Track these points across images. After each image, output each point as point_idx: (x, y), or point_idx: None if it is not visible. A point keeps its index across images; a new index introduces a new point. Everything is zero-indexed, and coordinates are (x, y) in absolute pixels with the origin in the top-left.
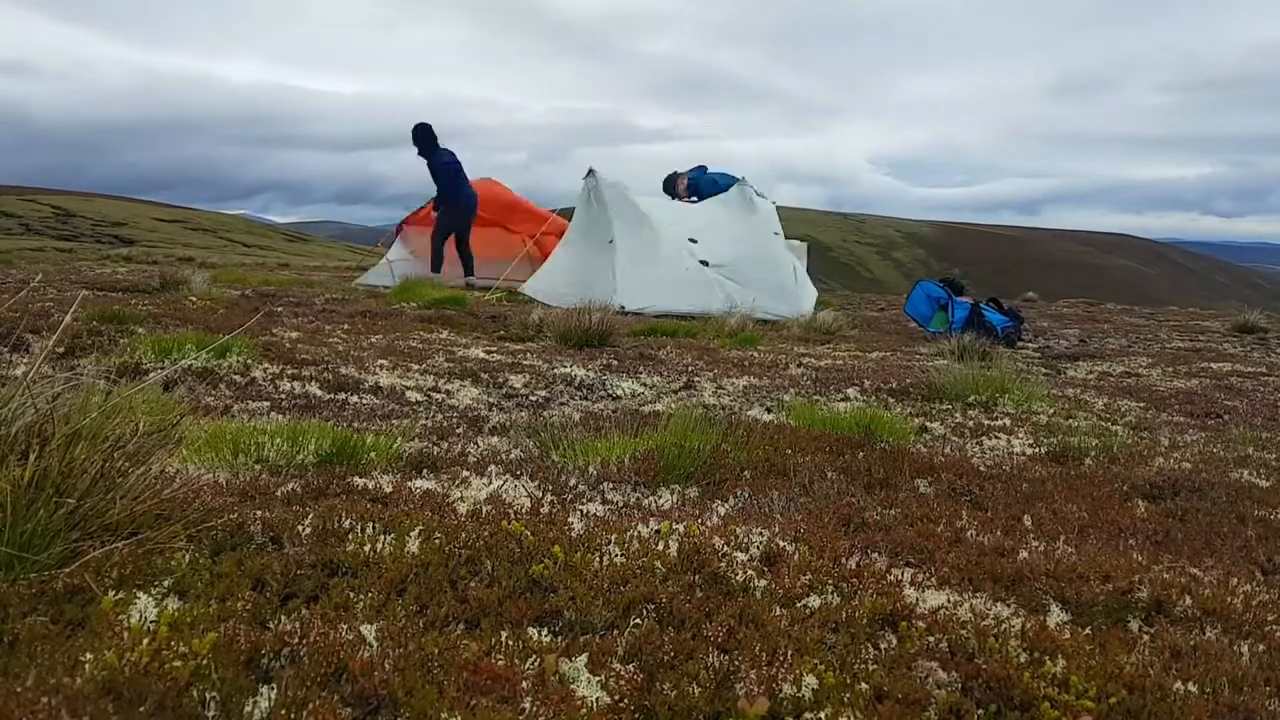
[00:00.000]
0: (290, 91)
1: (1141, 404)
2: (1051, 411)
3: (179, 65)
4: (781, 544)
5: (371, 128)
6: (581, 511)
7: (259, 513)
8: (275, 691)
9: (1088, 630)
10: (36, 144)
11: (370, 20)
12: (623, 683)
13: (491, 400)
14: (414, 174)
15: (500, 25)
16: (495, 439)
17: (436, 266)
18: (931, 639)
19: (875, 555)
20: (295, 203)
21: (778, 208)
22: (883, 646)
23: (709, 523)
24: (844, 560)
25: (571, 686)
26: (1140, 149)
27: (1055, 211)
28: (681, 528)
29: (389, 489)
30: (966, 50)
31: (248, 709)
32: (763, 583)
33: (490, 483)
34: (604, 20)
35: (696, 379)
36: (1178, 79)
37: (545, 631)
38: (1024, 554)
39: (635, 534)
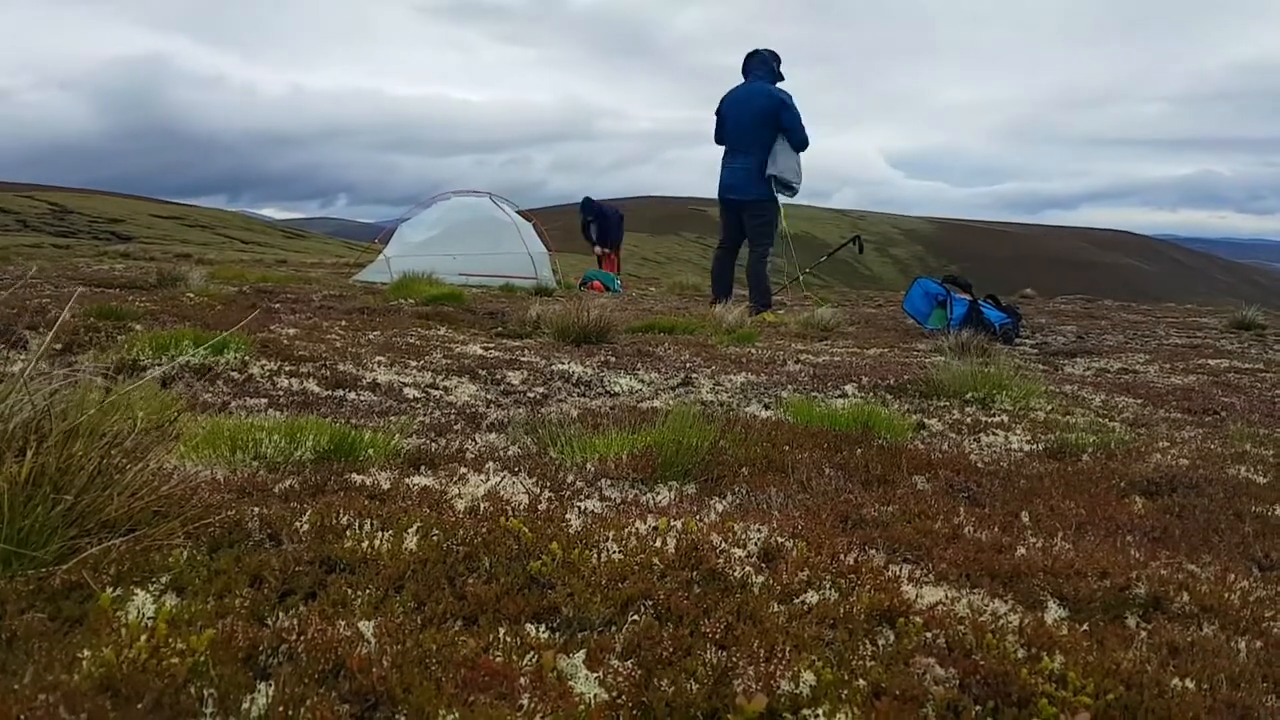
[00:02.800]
0: (422, 102)
1: (1139, 400)
2: (1049, 408)
3: (330, 82)
4: (779, 540)
5: (474, 134)
6: (579, 508)
7: (257, 509)
8: (273, 688)
9: (1085, 626)
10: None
11: (495, 42)
12: (620, 679)
13: (489, 397)
14: (462, 176)
15: (619, 47)
16: (493, 435)
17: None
18: (929, 635)
19: (873, 551)
20: (359, 202)
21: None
22: (880, 643)
23: (707, 519)
24: (842, 556)
25: (569, 683)
26: (1169, 150)
27: (1091, 210)
28: (679, 524)
29: (387, 485)
30: (996, 60)
31: (245, 706)
32: (760, 579)
33: (488, 479)
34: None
35: (694, 375)
36: (1182, 89)
37: (543, 628)
38: (1021, 550)
39: (633, 530)
